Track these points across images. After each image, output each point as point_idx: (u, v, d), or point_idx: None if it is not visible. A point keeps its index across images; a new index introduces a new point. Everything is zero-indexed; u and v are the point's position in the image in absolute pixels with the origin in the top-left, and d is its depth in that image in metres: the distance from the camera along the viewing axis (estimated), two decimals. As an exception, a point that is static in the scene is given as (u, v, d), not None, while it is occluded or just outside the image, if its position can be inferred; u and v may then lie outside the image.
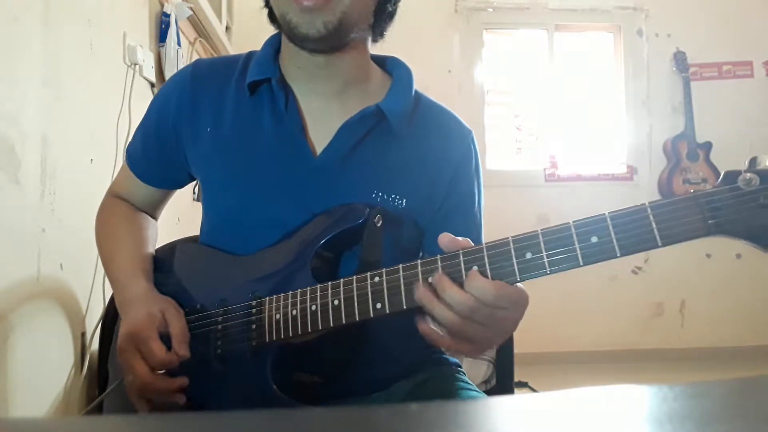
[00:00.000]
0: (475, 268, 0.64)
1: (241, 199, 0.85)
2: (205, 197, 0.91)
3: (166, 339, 0.77)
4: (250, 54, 0.90)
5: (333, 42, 0.78)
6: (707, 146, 3.49)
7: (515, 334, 1.19)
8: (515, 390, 1.30)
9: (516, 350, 1.20)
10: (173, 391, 0.77)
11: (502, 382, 1.22)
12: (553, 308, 3.29)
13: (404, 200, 0.84)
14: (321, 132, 0.84)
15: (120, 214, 0.96)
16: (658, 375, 3.12)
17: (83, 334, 1.40)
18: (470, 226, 0.91)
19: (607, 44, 3.78)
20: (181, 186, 0.98)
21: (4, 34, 1.11)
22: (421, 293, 0.65)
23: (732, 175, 0.58)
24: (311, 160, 0.83)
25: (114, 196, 0.99)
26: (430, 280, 0.65)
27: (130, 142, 0.97)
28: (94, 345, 1.39)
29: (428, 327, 0.66)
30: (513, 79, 3.78)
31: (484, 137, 3.57)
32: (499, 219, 3.23)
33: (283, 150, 0.84)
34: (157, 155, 0.92)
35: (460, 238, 0.67)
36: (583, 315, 3.42)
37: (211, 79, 0.89)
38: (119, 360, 0.79)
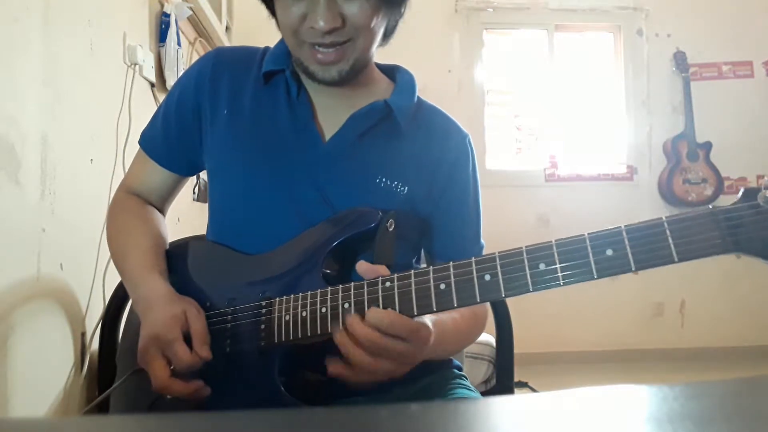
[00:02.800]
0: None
1: (253, 179, 0.87)
2: (215, 184, 0.92)
3: (187, 340, 0.76)
4: (267, 48, 0.94)
5: (347, 81, 0.84)
6: (707, 146, 3.49)
7: (515, 334, 1.19)
8: (515, 390, 1.29)
9: (516, 350, 1.20)
10: (189, 394, 0.76)
11: (502, 382, 1.21)
12: (553, 308, 3.29)
13: (406, 188, 0.87)
14: (330, 121, 0.89)
15: (132, 210, 0.96)
16: (658, 375, 3.12)
17: (83, 334, 1.40)
18: (466, 223, 0.94)
19: (607, 44, 3.78)
20: (196, 173, 1.00)
21: (4, 34, 1.11)
22: (338, 339, 0.69)
23: (752, 192, 0.56)
24: (321, 144, 0.87)
25: (126, 190, 0.99)
26: (348, 306, 0.70)
27: (147, 128, 0.99)
28: (94, 345, 1.39)
29: (336, 366, 0.69)
30: (513, 79, 3.78)
31: (484, 137, 3.57)
32: (499, 219, 3.24)
33: (294, 133, 0.88)
34: (177, 136, 0.94)
35: (378, 266, 0.71)
36: (583, 315, 3.42)
37: (231, 66, 0.93)
38: (140, 361, 0.78)
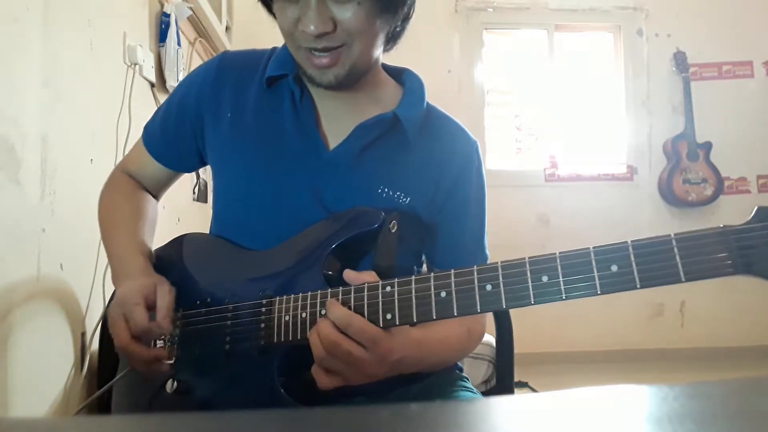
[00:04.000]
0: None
1: (253, 183, 0.88)
2: (218, 183, 0.94)
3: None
4: (274, 50, 0.94)
5: (346, 85, 0.83)
6: (707, 146, 3.49)
7: (515, 334, 1.19)
8: (515, 390, 1.29)
9: (516, 350, 1.20)
10: (149, 360, 0.79)
11: (502, 382, 1.22)
12: (553, 308, 3.28)
13: (408, 198, 0.86)
14: (334, 129, 0.89)
15: (125, 191, 0.99)
16: (658, 375, 3.12)
17: (83, 334, 1.40)
18: (468, 232, 0.92)
19: (607, 44, 3.77)
20: (190, 170, 1.03)
21: (4, 34, 1.11)
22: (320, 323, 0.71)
23: (764, 212, 0.54)
24: (324, 152, 0.87)
25: (123, 170, 1.03)
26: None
27: (149, 122, 1.01)
28: (94, 345, 1.39)
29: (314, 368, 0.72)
30: (513, 79, 3.78)
31: (484, 137, 3.57)
32: (499, 219, 3.23)
33: (297, 139, 0.87)
34: (174, 136, 0.95)
35: (364, 272, 0.72)
36: (583, 315, 3.42)
37: (237, 69, 0.93)
38: (109, 326, 0.81)
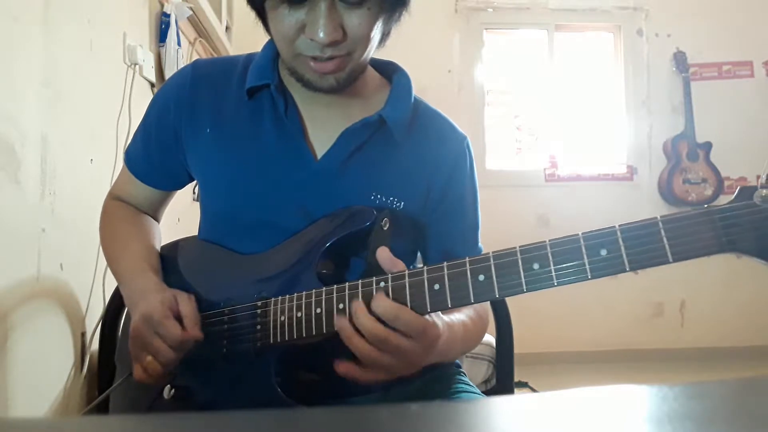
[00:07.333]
0: (382, 284, 0.68)
1: (239, 200, 0.85)
2: (203, 198, 0.92)
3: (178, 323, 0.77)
4: (250, 57, 0.90)
5: (344, 88, 0.81)
6: (707, 146, 3.49)
7: (515, 334, 1.19)
8: (515, 390, 1.29)
9: (516, 350, 1.20)
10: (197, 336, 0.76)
11: (502, 382, 1.21)
12: (553, 308, 3.29)
13: (402, 203, 0.85)
14: (321, 136, 0.86)
15: (123, 216, 0.96)
16: (658, 375, 3.12)
17: (83, 334, 1.40)
18: (465, 228, 0.92)
19: (607, 44, 3.78)
20: (182, 186, 0.99)
21: (4, 34, 1.11)
22: (341, 324, 0.68)
23: (748, 191, 0.56)
24: (312, 163, 0.84)
25: (114, 199, 0.99)
26: (342, 306, 0.69)
27: (130, 145, 0.98)
28: (94, 345, 1.39)
29: (346, 366, 0.69)
30: (513, 79, 3.78)
31: (484, 137, 3.57)
32: (499, 219, 3.23)
33: (283, 153, 0.85)
34: (159, 156, 0.92)
35: (398, 260, 0.70)
36: (583, 315, 3.42)
37: (211, 80, 0.89)
38: (132, 347, 0.78)
